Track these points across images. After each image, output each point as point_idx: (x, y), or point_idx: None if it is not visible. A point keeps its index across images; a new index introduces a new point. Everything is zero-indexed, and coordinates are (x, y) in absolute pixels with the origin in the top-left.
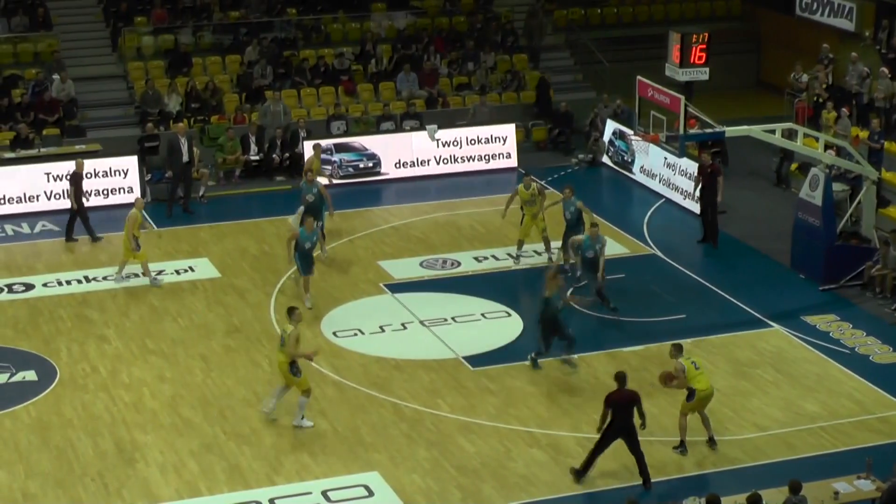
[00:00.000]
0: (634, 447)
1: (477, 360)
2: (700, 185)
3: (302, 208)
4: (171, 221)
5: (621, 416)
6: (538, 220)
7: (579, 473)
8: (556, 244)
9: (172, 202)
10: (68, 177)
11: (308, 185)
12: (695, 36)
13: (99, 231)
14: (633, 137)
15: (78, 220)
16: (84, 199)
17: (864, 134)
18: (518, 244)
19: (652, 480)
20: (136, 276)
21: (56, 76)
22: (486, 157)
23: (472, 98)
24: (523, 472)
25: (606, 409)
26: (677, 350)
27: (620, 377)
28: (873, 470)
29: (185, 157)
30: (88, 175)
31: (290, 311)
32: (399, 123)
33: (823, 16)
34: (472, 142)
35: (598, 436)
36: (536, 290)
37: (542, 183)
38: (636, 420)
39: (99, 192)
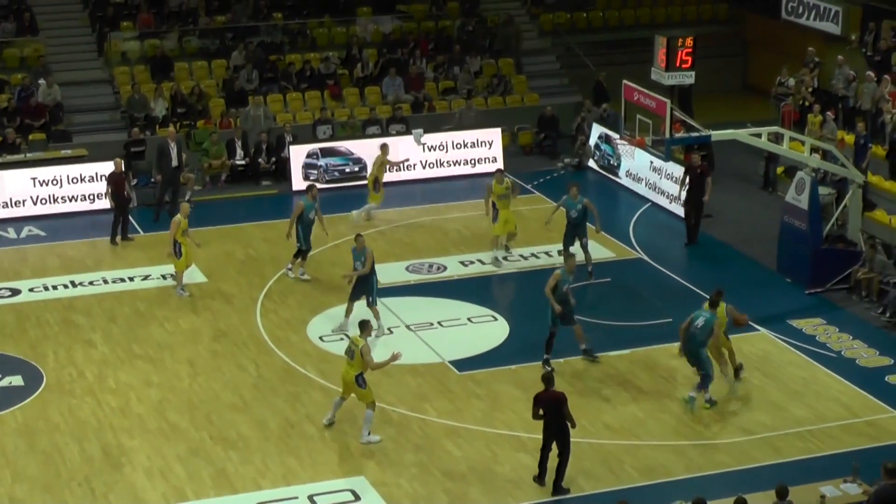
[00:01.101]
0: (563, 448)
1: (463, 364)
2: (688, 187)
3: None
4: (157, 226)
5: (551, 416)
6: (510, 216)
7: (539, 478)
8: (538, 247)
9: (160, 207)
10: (106, 177)
11: (311, 203)
12: (680, 40)
13: (85, 236)
14: (619, 141)
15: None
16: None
17: (850, 138)
18: (495, 242)
19: (639, 484)
20: (124, 280)
21: (42, 81)
22: (472, 162)
23: (457, 102)
24: (510, 476)
25: (536, 407)
26: (717, 295)
27: (546, 378)
28: (860, 474)
29: (175, 162)
30: (74, 180)
31: (363, 324)
32: (385, 128)
33: (809, 19)
34: (458, 146)
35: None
36: (523, 294)
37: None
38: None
39: (85, 197)
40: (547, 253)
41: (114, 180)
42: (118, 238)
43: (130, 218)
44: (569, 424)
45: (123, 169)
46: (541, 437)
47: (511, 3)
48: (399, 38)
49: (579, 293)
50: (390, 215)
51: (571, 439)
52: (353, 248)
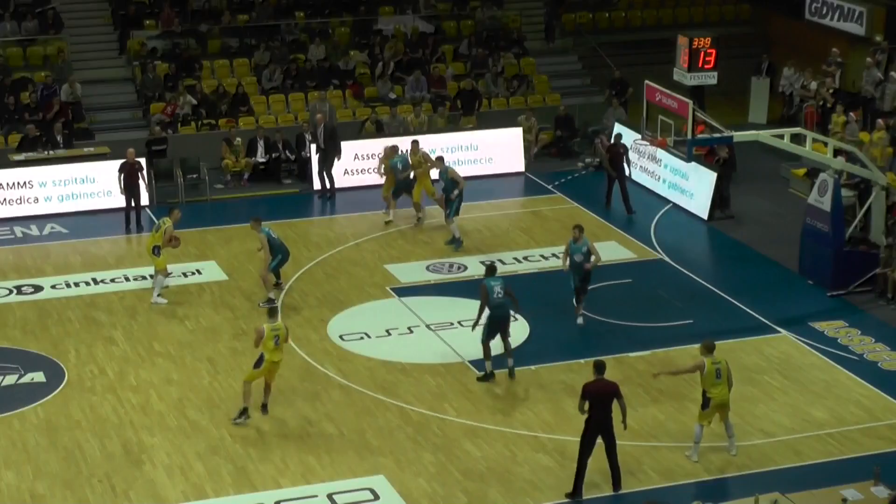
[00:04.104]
0: (610, 447)
1: (483, 364)
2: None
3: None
4: (177, 225)
5: (599, 411)
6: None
7: (574, 494)
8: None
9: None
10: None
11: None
12: (702, 40)
13: (108, 234)
14: (640, 142)
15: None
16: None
17: (872, 136)
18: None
19: (658, 486)
20: (145, 277)
21: (66, 82)
22: (493, 161)
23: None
24: (529, 476)
25: (583, 399)
26: (707, 350)
27: (599, 365)
28: (881, 478)
29: (322, 144)
30: (97, 178)
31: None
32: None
33: (833, 20)
34: (479, 146)
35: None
36: (543, 294)
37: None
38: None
39: (107, 194)
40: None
41: (126, 170)
42: (131, 227)
43: (149, 212)
44: (622, 419)
45: (136, 159)
46: (559, 437)
47: (533, 3)
48: (421, 38)
49: (600, 294)
50: (411, 214)
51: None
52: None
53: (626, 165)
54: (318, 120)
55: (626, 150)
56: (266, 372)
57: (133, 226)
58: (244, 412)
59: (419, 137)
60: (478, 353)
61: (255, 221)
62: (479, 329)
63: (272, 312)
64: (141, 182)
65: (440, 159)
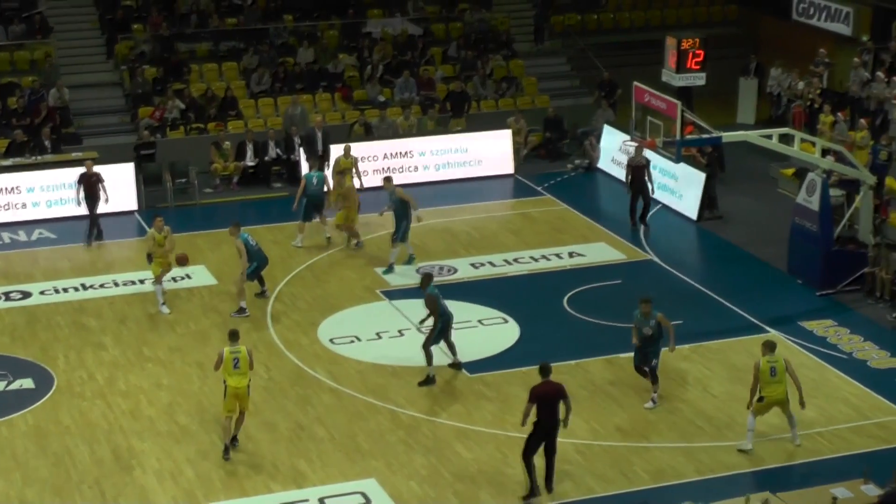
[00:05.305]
0: (550, 447)
1: (474, 366)
2: (630, 177)
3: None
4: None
5: (547, 413)
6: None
7: (532, 495)
8: (548, 249)
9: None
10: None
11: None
12: (690, 41)
13: (96, 239)
14: (628, 143)
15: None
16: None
17: (859, 134)
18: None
19: (649, 487)
20: (134, 283)
21: (53, 86)
22: (482, 164)
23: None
24: (520, 478)
25: (531, 403)
26: (767, 348)
27: (544, 368)
28: (871, 476)
29: (320, 150)
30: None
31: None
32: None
33: (820, 20)
34: (468, 149)
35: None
36: (534, 296)
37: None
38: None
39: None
40: (557, 255)
41: (85, 181)
42: (93, 240)
43: (138, 216)
44: (562, 421)
45: (94, 170)
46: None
47: (522, 5)
48: (409, 40)
49: (590, 295)
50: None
51: (581, 441)
52: None
53: (647, 180)
54: (318, 123)
55: (647, 162)
56: (232, 399)
57: (95, 234)
58: (226, 450)
59: (410, 140)
60: (469, 355)
61: (234, 227)
62: (426, 332)
63: (233, 336)
64: (101, 192)
65: (388, 179)
